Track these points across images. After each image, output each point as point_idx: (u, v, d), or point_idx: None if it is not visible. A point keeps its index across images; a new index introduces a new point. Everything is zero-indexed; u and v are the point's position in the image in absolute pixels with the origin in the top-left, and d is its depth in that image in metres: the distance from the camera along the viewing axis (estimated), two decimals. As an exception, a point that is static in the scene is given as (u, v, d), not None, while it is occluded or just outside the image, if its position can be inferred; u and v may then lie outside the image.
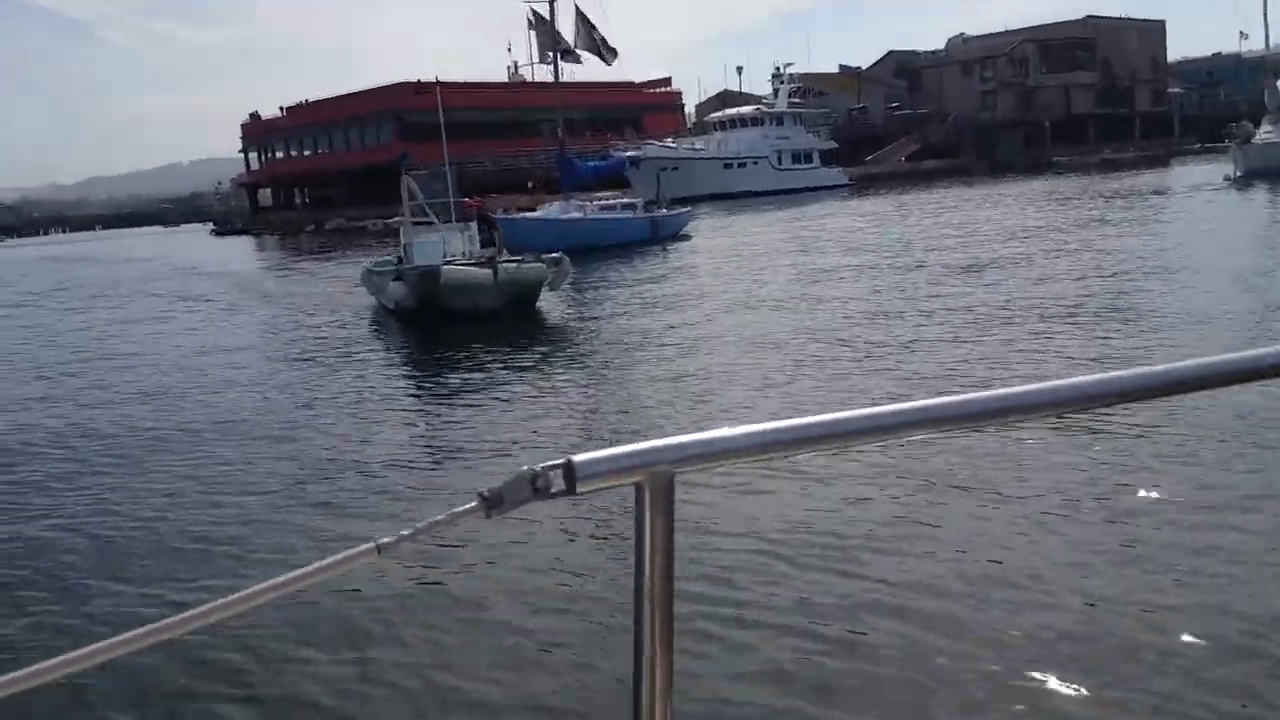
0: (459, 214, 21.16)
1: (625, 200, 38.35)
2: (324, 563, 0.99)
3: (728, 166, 69.10)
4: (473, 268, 17.68)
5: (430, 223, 20.11)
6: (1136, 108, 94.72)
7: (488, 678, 4.92)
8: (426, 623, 5.57)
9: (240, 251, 56.20)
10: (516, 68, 49.15)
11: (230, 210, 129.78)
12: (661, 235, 35.29)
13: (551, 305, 19.34)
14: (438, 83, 26.18)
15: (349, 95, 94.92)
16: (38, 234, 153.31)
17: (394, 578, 5.94)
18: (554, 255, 18.86)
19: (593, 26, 42.56)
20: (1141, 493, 6.54)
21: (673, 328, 15.47)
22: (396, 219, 23.90)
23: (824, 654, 4.75)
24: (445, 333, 16.56)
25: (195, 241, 75.81)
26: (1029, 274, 18.19)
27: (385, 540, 0.99)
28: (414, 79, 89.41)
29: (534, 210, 35.72)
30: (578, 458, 0.94)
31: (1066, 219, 29.54)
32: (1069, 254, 20.66)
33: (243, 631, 5.25)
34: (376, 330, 18.54)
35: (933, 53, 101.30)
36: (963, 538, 6.06)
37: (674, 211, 38.02)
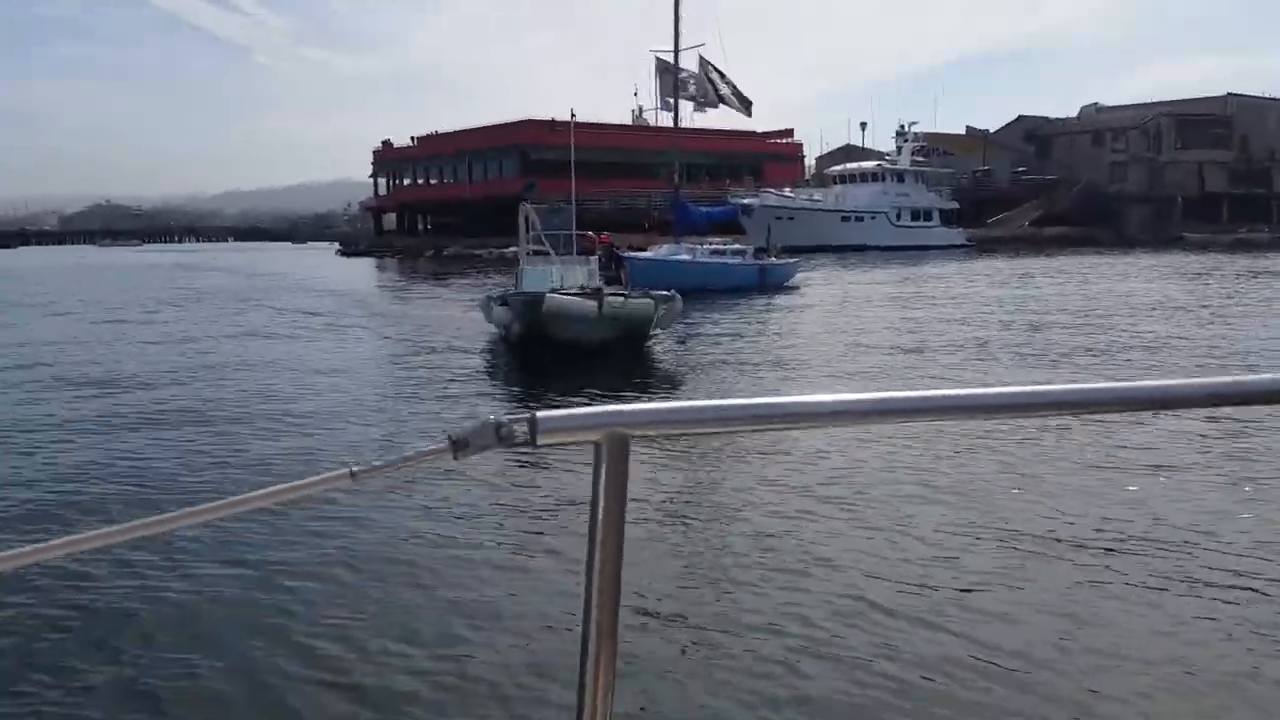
0: (580, 248, 21.27)
1: (735, 246, 38.50)
2: (302, 482, 1.07)
3: (845, 220, 68.78)
4: (577, 298, 17.34)
5: (546, 253, 20.24)
6: (1275, 189, 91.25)
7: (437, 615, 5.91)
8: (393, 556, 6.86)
9: (362, 272, 57.96)
10: (641, 111, 49.88)
11: (356, 232, 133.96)
12: (769, 283, 35.35)
13: (660, 344, 19.14)
14: (570, 120, 24.97)
15: (477, 129, 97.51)
16: (171, 241, 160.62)
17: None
18: (665, 293, 18.65)
19: (722, 76, 43.08)
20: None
21: (770, 372, 15.41)
22: (512, 248, 24.26)
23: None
24: (546, 361, 16.58)
25: (321, 259, 78.41)
26: (1149, 353, 17.32)
27: (358, 468, 1.05)
28: (540, 116, 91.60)
29: (645, 250, 36.11)
30: (541, 413, 1.01)
31: (1195, 296, 28.56)
32: (1196, 334, 19.89)
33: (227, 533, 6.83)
34: (485, 355, 18.73)
35: (1064, 120, 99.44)
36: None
37: (783, 260, 38.07)
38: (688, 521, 7.66)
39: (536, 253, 20.44)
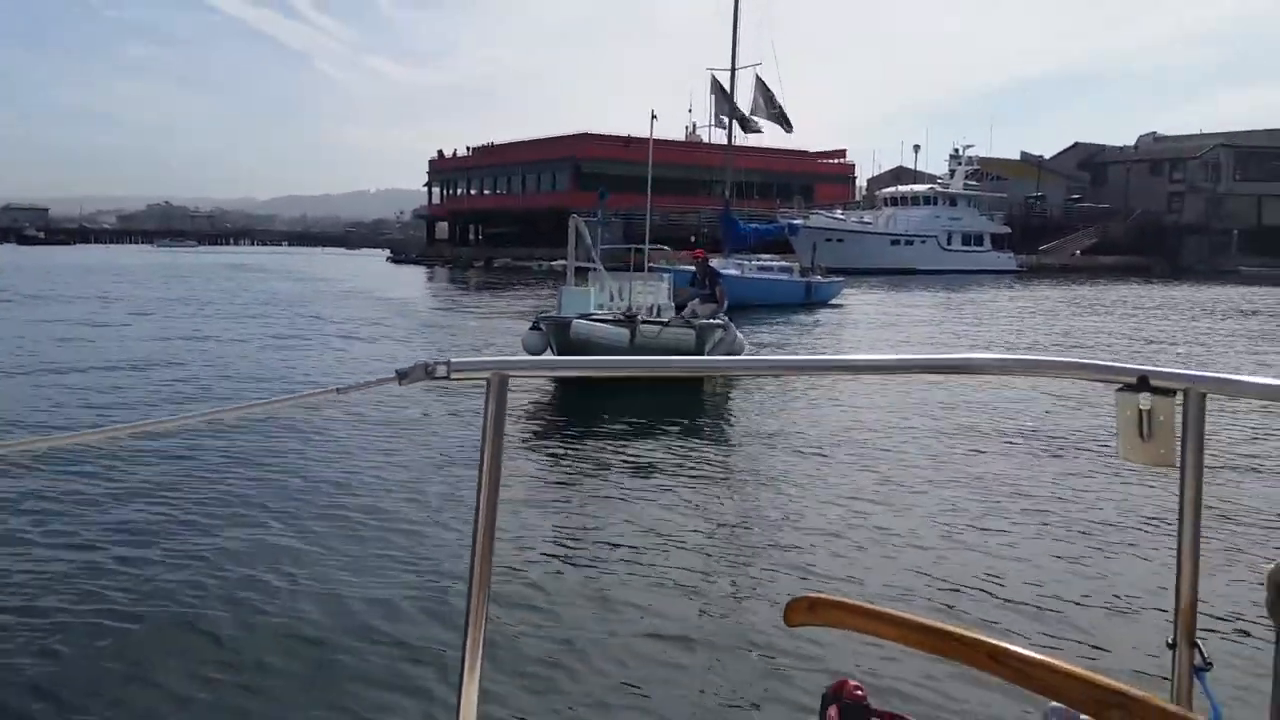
0: (636, 264, 20.42)
1: (782, 264, 38.99)
2: (297, 395, 1.70)
3: (894, 243, 68.60)
4: (609, 325, 15.84)
5: (593, 268, 18.29)
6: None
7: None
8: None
9: (411, 280, 58.69)
10: (695, 128, 50.25)
11: (408, 239, 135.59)
12: (814, 300, 36.20)
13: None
14: (649, 135, 24.85)
15: (531, 141, 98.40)
16: (227, 244, 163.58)
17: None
18: (717, 322, 16.99)
19: (772, 95, 43.43)
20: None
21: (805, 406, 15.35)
22: (560, 261, 21.56)
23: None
24: (573, 394, 14.03)
25: (372, 266, 79.47)
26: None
27: (341, 386, 1.59)
28: (594, 130, 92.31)
29: (676, 262, 36.66)
30: (455, 359, 1.47)
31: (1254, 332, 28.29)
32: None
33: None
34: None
35: (1120, 148, 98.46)
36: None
37: (828, 279, 39.01)
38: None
39: (582, 269, 18.68)
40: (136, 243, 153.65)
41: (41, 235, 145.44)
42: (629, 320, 15.98)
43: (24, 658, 4.99)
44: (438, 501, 8.26)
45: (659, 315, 16.86)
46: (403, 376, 1.46)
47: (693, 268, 19.89)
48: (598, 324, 15.83)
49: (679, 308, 17.76)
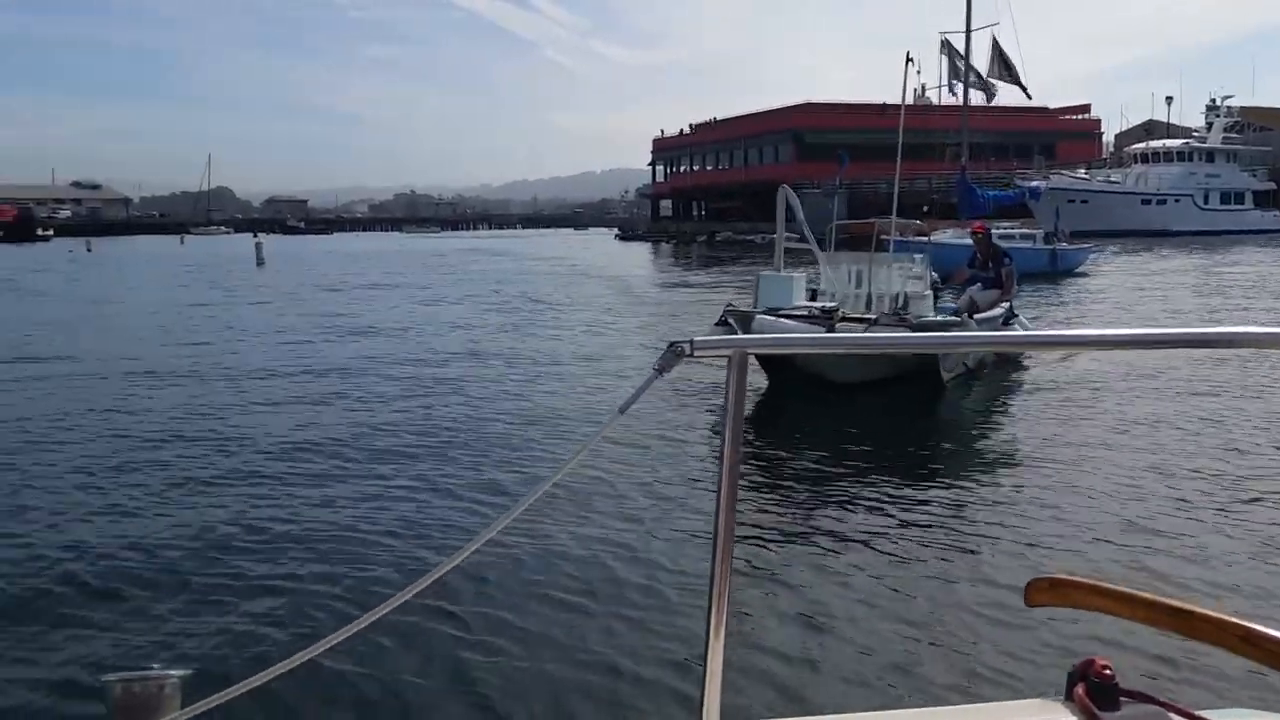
0: (837, 241, 16.32)
1: (1024, 230, 36.96)
2: (595, 434, 1.82)
3: (1145, 203, 64.22)
4: (800, 322, 12.47)
5: (805, 247, 15.37)
6: None
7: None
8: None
9: (637, 258, 59.89)
10: (924, 90, 48.60)
11: (634, 217, 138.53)
12: (1059, 269, 33.82)
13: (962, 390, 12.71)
14: (901, 102, 18.87)
15: (752, 115, 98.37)
16: (469, 229, 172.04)
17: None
18: (996, 313, 13.87)
19: (1008, 59, 41.34)
20: None
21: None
22: (788, 236, 15.92)
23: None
24: (778, 391, 12.26)
25: (599, 244, 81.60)
26: None
27: (621, 403, 1.54)
28: (814, 100, 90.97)
29: (926, 236, 35.35)
30: (697, 338, 1.47)
31: None
32: None
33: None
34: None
35: None
36: None
37: (1074, 246, 36.48)
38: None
39: (792, 248, 15.82)
40: (385, 230, 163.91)
41: (302, 225, 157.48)
42: (825, 317, 12.59)
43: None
44: (674, 474, 8.41)
45: (905, 307, 13.17)
46: (662, 371, 1.50)
47: (969, 242, 16.56)
48: (784, 322, 12.51)
49: (936, 294, 14.17)
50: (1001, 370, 13.43)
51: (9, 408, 11.84)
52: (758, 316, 12.64)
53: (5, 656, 5.00)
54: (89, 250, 71.95)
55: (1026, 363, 13.64)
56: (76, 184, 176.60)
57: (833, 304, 13.36)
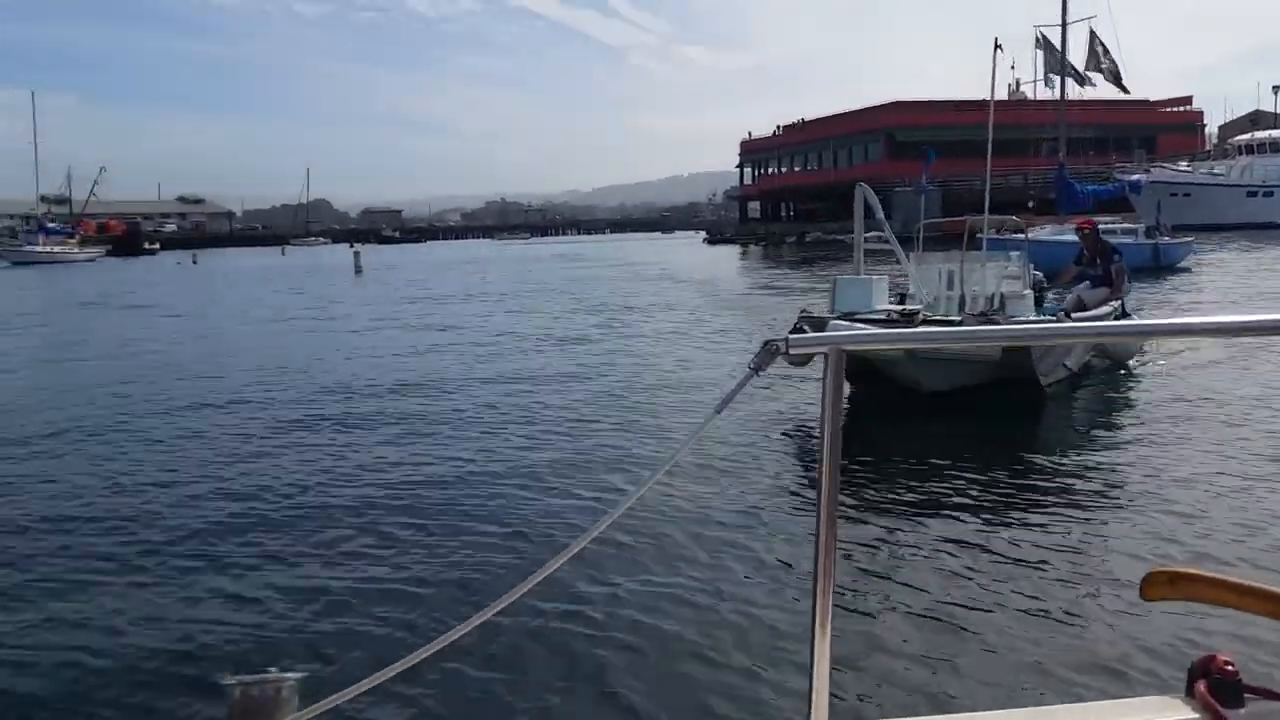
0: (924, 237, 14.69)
1: (1126, 225, 35.95)
2: (693, 434, 2.00)
3: (1251, 195, 61.78)
4: (879, 328, 11.01)
5: (887, 248, 14.56)
6: None
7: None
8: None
9: (724, 260, 59.66)
10: (1019, 84, 47.47)
11: (721, 220, 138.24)
12: (1162, 264, 32.97)
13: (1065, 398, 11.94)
14: (989, 98, 16.92)
15: (841, 115, 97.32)
16: (557, 234, 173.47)
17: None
18: (1106, 310, 13.25)
19: (1106, 51, 40.25)
20: None
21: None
22: (874, 232, 16.50)
23: None
24: (867, 401, 11.51)
25: (687, 248, 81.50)
26: None
27: (719, 404, 1.64)
28: (906, 99, 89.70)
29: (1023, 233, 34.66)
30: (793, 336, 1.55)
31: None
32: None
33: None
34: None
35: None
36: None
37: (1177, 240, 35.71)
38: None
39: (873, 250, 15.15)
40: (477, 238, 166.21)
41: (396, 234, 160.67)
42: (906, 321, 11.84)
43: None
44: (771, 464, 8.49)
45: (1000, 308, 12.12)
46: (757, 369, 1.56)
47: (1070, 238, 15.57)
48: (860, 328, 10.66)
49: (1039, 293, 13.24)
50: (1109, 375, 12.82)
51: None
52: (831, 322, 11.44)
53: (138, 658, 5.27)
54: (195, 263, 74.45)
55: (1137, 368, 13.06)
56: (182, 199, 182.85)
57: (915, 306, 12.48)
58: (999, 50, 17.00)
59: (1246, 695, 1.42)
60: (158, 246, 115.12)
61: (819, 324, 11.56)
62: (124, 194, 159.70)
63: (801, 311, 12.79)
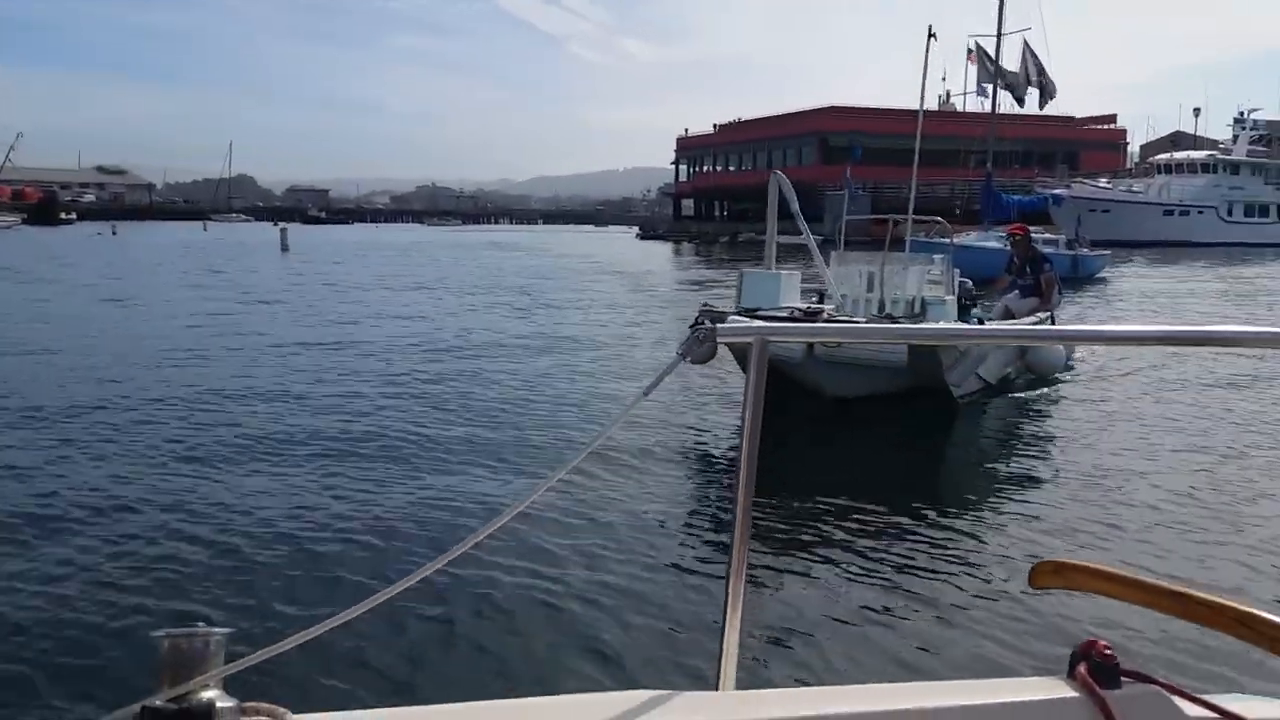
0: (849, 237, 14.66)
1: (1047, 236, 37.06)
2: (619, 416, 2.27)
3: (1167, 214, 63.94)
4: (804, 323, 10.51)
5: (801, 244, 12.89)
6: None
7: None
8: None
9: (658, 255, 59.85)
10: (949, 96, 48.33)
11: (654, 216, 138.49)
12: (1080, 274, 34.24)
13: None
14: (921, 107, 16.97)
15: (777, 116, 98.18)
16: (489, 222, 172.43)
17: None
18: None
19: (1040, 66, 41.26)
20: None
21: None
22: (789, 238, 13.08)
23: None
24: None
25: (620, 243, 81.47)
26: None
27: (646, 386, 1.68)
28: (840, 104, 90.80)
29: (949, 237, 35.43)
30: (720, 325, 1.62)
31: None
32: None
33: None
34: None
35: None
36: None
37: (1094, 253, 37.31)
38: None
39: (788, 245, 13.08)
40: (407, 222, 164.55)
41: (322, 215, 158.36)
42: (808, 320, 11.04)
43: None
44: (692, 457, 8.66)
45: (921, 312, 11.82)
46: (684, 355, 1.61)
47: (996, 245, 15.22)
48: (758, 324, 8.17)
49: (970, 301, 12.61)
50: (1031, 388, 12.25)
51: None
52: (730, 317, 10.60)
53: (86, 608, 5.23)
54: (114, 234, 72.45)
55: (1061, 385, 12.54)
56: (101, 168, 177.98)
57: (819, 305, 11.96)
58: (933, 39, 16.95)
59: (1123, 678, 1.49)
60: (74, 216, 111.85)
61: (720, 319, 10.08)
62: (42, 160, 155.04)
63: (703, 306, 11.91)
